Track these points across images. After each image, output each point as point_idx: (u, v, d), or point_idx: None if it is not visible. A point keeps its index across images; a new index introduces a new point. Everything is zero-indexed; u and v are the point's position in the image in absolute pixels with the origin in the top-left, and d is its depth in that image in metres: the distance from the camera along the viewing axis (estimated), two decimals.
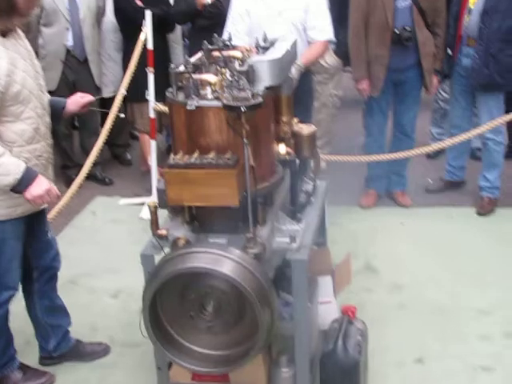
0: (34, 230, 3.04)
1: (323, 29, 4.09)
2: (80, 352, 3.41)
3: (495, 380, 3.13)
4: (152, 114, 4.91)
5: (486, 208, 4.79)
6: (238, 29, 3.92)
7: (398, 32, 4.41)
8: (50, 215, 3.84)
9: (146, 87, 4.83)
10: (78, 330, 3.55)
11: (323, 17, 4.09)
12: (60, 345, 3.35)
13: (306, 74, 4.01)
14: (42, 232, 3.13)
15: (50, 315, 3.30)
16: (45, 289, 3.23)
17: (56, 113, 3.05)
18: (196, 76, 2.57)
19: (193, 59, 2.77)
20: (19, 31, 2.83)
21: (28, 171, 2.70)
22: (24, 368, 3.23)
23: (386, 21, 4.42)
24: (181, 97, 2.53)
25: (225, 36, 2.99)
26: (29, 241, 3.04)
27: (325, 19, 4.10)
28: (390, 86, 4.67)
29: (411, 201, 4.98)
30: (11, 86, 2.66)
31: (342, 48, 4.77)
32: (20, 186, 2.69)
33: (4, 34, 2.67)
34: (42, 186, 2.73)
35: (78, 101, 3.12)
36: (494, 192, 4.82)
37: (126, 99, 4.93)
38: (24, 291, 3.14)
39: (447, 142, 4.83)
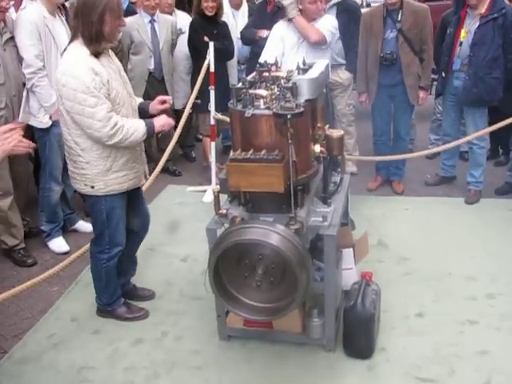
0: (134, 201, 3.15)
1: None
2: (134, 293, 3.45)
3: (478, 330, 3.07)
4: (212, 122, 4.90)
5: (472, 198, 4.67)
6: (273, 53, 3.79)
7: (382, 55, 4.48)
8: None
9: (208, 101, 4.81)
10: (157, 284, 3.59)
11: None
12: (124, 285, 3.39)
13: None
14: (139, 202, 3.23)
15: (128, 263, 3.35)
16: (130, 246, 3.24)
17: (143, 112, 3.07)
18: (251, 91, 2.56)
19: (248, 78, 2.76)
20: (110, 53, 2.90)
21: (146, 121, 2.88)
22: (127, 304, 3.31)
23: (377, 48, 4.49)
24: (239, 107, 2.52)
25: (264, 59, 2.98)
26: (130, 209, 3.13)
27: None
28: (385, 99, 4.68)
29: (403, 189, 4.92)
30: (111, 91, 2.74)
31: (350, 65, 4.84)
32: (150, 131, 2.86)
33: (97, 56, 2.72)
34: (160, 120, 2.94)
35: (155, 107, 3.09)
36: (479, 186, 4.71)
37: (193, 110, 4.92)
38: None
39: (442, 147, 4.77)
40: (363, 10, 5.15)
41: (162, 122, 2.93)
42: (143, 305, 3.38)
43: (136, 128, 2.81)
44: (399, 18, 4.43)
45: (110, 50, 2.88)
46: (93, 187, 2.89)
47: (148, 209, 3.37)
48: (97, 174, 2.86)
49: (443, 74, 4.59)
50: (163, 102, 3.08)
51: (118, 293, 3.27)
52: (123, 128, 2.75)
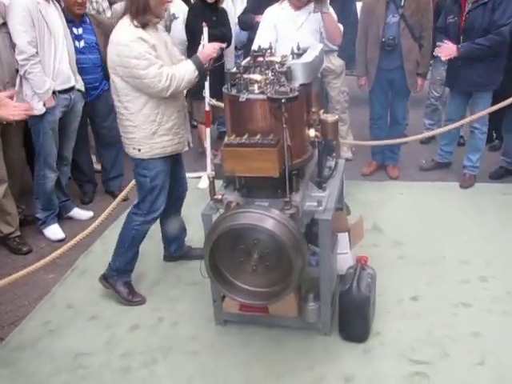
0: (174, 168, 3.26)
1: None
2: (190, 255, 3.68)
3: (471, 313, 3.09)
4: (207, 108, 4.87)
5: (467, 183, 4.69)
6: (266, 39, 3.68)
7: (383, 40, 4.47)
8: (130, 185, 3.81)
9: (202, 87, 4.78)
10: (154, 270, 3.60)
11: None
12: (178, 249, 3.67)
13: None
14: (180, 169, 3.39)
15: (173, 230, 3.56)
16: (174, 211, 3.51)
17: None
18: (245, 75, 2.55)
19: (243, 63, 2.74)
20: (158, 26, 3.06)
21: (191, 58, 3.01)
22: (130, 286, 3.34)
23: (378, 32, 4.48)
24: (234, 91, 2.50)
25: (256, 45, 2.97)
26: (171, 175, 3.25)
27: None
28: (384, 83, 4.67)
29: (398, 174, 4.93)
30: (158, 58, 2.88)
31: (343, 52, 4.85)
32: (199, 66, 2.97)
33: (144, 27, 2.89)
34: (204, 51, 3.03)
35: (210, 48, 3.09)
36: (475, 170, 4.72)
37: (187, 96, 4.87)
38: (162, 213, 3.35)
39: (438, 130, 4.81)
40: None
41: (206, 51, 3.03)
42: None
43: (185, 69, 2.95)
44: (402, 4, 4.41)
45: (158, 26, 3.05)
46: (139, 150, 3.04)
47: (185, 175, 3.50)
48: (143, 137, 3.01)
49: (459, 63, 4.41)
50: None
51: (133, 265, 3.32)
52: (174, 75, 2.89)
